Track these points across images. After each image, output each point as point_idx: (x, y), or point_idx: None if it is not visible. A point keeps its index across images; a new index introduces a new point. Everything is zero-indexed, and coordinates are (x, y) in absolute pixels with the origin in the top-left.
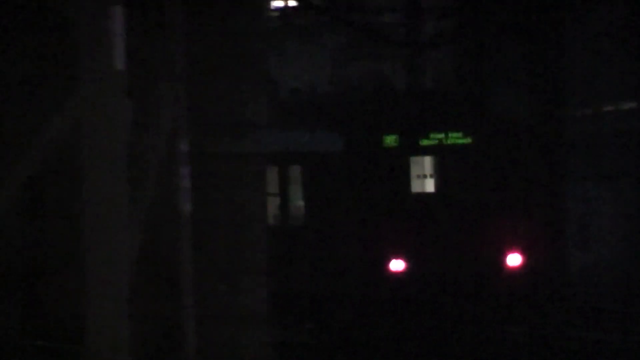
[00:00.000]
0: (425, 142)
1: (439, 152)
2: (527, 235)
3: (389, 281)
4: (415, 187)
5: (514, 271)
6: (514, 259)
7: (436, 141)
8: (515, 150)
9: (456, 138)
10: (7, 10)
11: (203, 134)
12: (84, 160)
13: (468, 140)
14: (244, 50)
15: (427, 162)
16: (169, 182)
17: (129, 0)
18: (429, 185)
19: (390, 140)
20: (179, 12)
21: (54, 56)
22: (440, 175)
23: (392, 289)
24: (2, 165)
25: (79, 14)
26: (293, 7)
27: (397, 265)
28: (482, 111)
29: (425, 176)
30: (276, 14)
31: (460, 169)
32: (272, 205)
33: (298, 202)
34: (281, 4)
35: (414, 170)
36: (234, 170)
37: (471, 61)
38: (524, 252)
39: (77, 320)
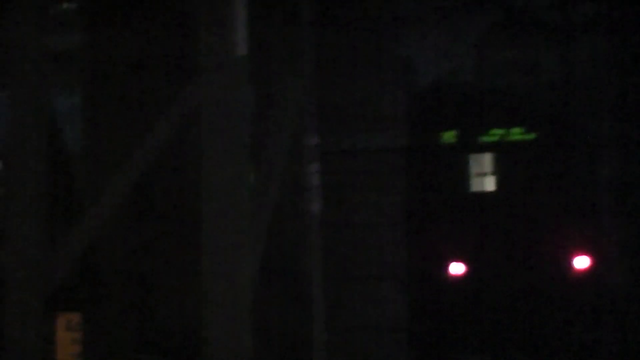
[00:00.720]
0: (485, 139)
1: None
2: (597, 237)
3: (448, 285)
4: (475, 186)
5: (581, 275)
6: (581, 262)
7: (497, 137)
8: (579, 147)
9: (518, 134)
10: None
11: (333, 128)
12: (202, 156)
13: (531, 136)
14: (378, 36)
15: (487, 160)
16: (295, 180)
17: None
18: (490, 184)
19: (448, 136)
20: None
21: (171, 42)
22: (502, 173)
23: (451, 293)
24: (112, 162)
25: None
26: None
27: (457, 268)
28: (548, 107)
29: (485, 174)
30: None
31: (523, 166)
32: None
33: None
34: None
35: (474, 168)
36: (368, 167)
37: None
38: (592, 254)
39: (195, 331)
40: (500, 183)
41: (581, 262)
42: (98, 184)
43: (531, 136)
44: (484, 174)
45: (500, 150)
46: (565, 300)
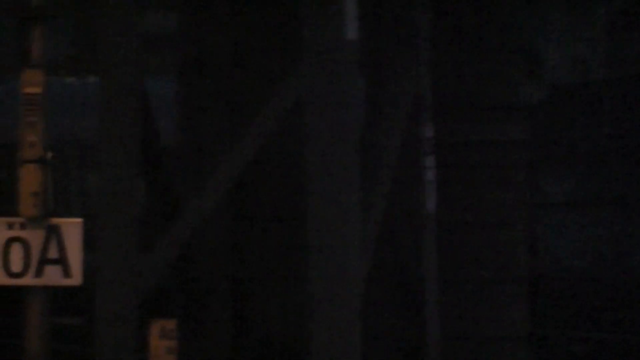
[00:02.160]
0: None
1: None
2: None
3: None
4: None
5: None
6: None
7: None
8: None
9: None
10: None
11: (450, 118)
12: (306, 148)
13: None
14: (499, 20)
15: None
16: (408, 175)
17: None
18: None
19: None
20: None
21: (274, 25)
22: None
23: None
24: (211, 156)
25: None
26: None
27: None
28: None
29: None
30: None
31: None
32: None
33: None
34: None
35: None
36: (489, 161)
37: None
38: None
39: (298, 339)
40: None
41: None
42: (196, 181)
43: None
44: None
45: None
46: None
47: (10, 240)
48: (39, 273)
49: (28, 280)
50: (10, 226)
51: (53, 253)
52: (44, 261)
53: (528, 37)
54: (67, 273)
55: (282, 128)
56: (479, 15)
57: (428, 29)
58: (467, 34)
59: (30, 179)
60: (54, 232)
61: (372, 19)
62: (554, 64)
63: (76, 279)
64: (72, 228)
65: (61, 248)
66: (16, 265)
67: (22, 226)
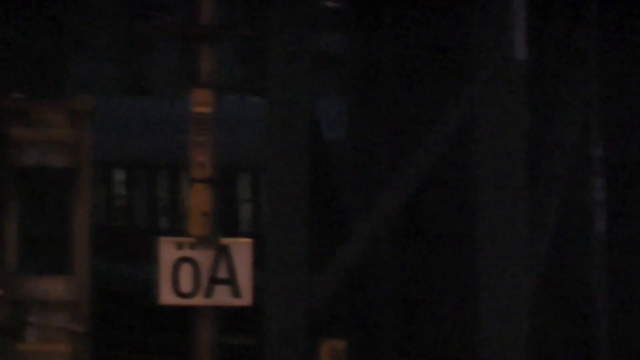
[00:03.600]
0: None
1: None
2: None
3: None
4: None
5: None
6: None
7: None
8: None
9: None
10: None
11: (620, 138)
12: (476, 167)
13: None
14: None
15: None
16: (577, 195)
17: None
18: None
19: None
20: None
21: (444, 44)
22: None
23: None
24: (381, 174)
25: None
26: None
27: None
28: None
29: None
30: None
31: None
32: None
33: None
34: None
35: None
36: None
37: None
38: None
39: (468, 358)
40: None
41: None
42: (365, 201)
43: None
44: None
45: None
46: None
47: (180, 260)
48: (209, 293)
49: (198, 300)
50: (180, 246)
51: (223, 273)
52: (213, 281)
53: None
54: (236, 293)
55: (452, 147)
56: None
57: (596, 48)
58: (637, 52)
59: (199, 199)
60: (223, 252)
61: (540, 39)
62: None
63: (246, 299)
64: (241, 248)
65: (230, 268)
66: (186, 285)
67: (192, 246)
